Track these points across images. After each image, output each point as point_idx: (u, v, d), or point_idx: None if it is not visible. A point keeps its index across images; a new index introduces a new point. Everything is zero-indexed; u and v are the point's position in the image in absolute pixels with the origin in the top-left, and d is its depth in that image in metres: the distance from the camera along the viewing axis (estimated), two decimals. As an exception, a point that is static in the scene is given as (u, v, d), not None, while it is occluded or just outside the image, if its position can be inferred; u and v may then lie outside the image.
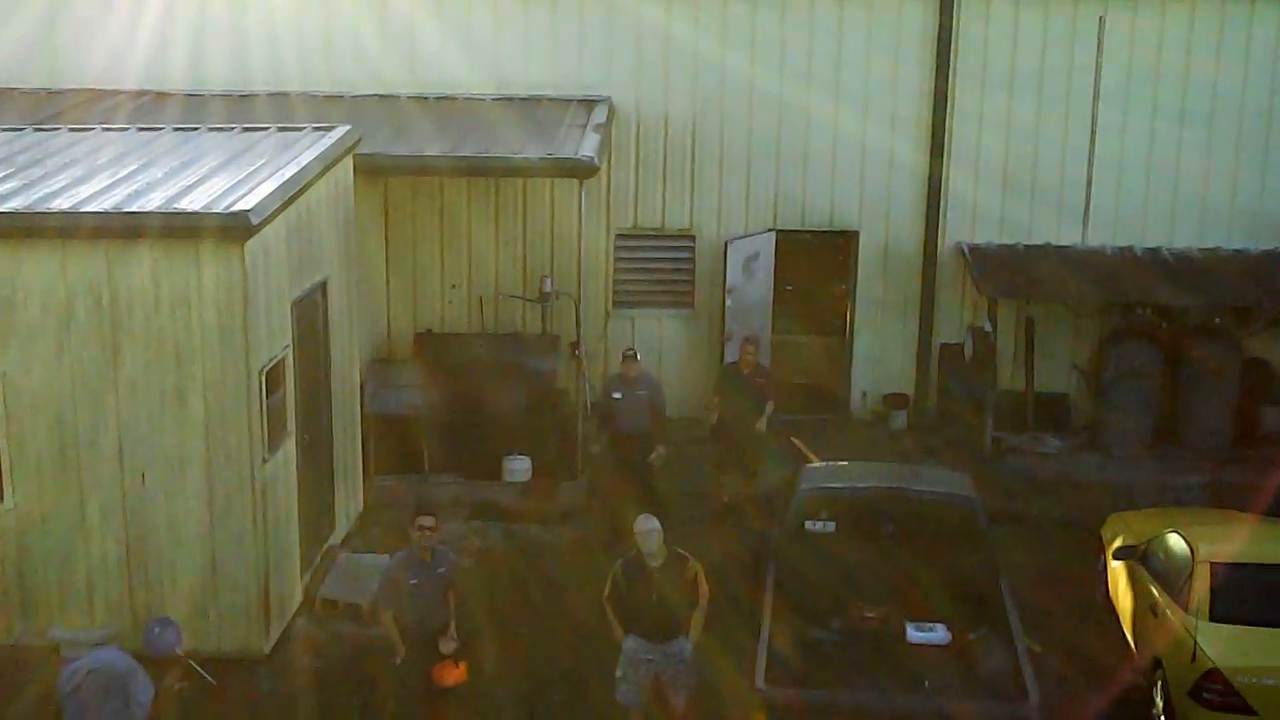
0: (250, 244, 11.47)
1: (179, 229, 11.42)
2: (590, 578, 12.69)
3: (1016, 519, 15.77)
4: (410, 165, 15.61)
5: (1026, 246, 18.24)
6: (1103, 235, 18.30)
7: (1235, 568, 11.68)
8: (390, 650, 10.89)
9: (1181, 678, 11.16)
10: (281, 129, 14.33)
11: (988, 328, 17.64)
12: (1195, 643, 11.14)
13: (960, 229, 18.34)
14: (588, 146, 15.45)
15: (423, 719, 10.91)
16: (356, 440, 14.94)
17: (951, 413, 18.24)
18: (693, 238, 18.41)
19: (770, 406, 15.54)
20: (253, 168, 12.80)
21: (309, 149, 13.34)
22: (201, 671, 11.64)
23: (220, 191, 12.01)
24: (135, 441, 11.77)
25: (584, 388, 17.87)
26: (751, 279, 18.28)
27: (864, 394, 18.80)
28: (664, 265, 18.55)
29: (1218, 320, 17.87)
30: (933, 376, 18.61)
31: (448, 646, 10.86)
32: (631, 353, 15.28)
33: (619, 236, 18.42)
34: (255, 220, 11.39)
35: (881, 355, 18.70)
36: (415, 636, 10.80)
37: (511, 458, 16.11)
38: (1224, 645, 11.05)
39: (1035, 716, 9.78)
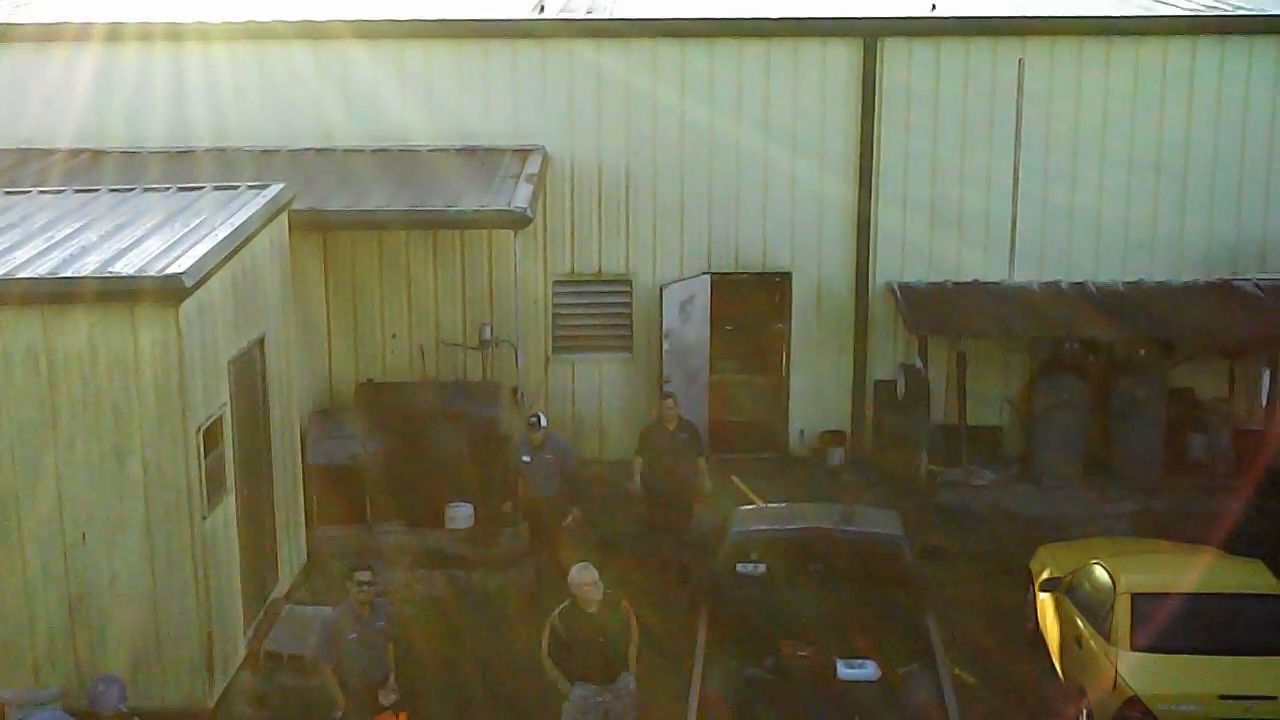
0: (185, 306, 11.66)
1: (114, 293, 11.59)
2: (534, 623, 12.90)
3: (949, 553, 16.10)
4: (347, 219, 15.88)
5: (955, 284, 18.65)
6: (1029, 271, 18.74)
7: (1155, 598, 12.07)
8: (332, 703, 11.07)
9: (1105, 706, 11.52)
10: (217, 188, 14.51)
11: (919, 364, 18.03)
12: (1116, 672, 11.49)
13: (890, 268, 18.74)
14: (520, 198, 15.76)
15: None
16: (299, 492, 15.10)
17: (887, 448, 18.59)
18: (629, 282, 18.73)
19: (704, 463, 15.45)
20: (188, 228, 12.98)
21: (244, 208, 13.53)
22: (146, 728, 11.78)
23: (155, 254, 12.19)
24: (75, 501, 11.89)
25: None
26: (688, 321, 18.61)
27: (802, 431, 19.14)
28: (602, 310, 18.85)
29: (1142, 352, 18.30)
30: (868, 413, 18.98)
31: (388, 698, 11.09)
32: (535, 418, 15.19)
33: (557, 283, 18.72)
34: (189, 282, 11.59)
35: (818, 393, 19.05)
36: (356, 688, 11.01)
37: (454, 505, 16.28)
38: (1144, 674, 11.43)
39: (958, 747, 10.09)
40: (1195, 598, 12.13)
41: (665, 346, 18.36)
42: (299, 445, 15.25)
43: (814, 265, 18.77)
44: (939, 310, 18.16)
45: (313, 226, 15.82)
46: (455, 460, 16.55)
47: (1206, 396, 18.82)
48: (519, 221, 15.52)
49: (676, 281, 18.50)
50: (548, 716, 11.44)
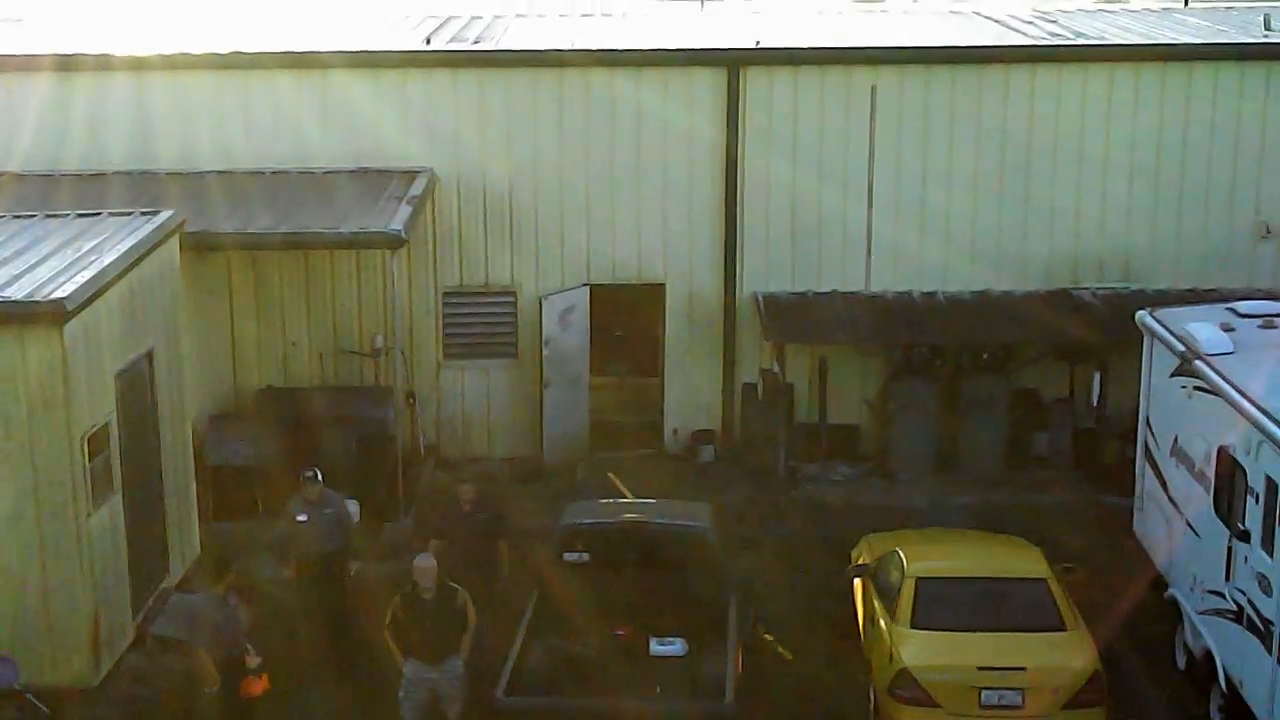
0: (69, 327, 13.08)
1: (6, 315, 13.00)
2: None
3: (793, 540, 17.60)
4: (235, 240, 17.31)
5: (815, 293, 20.15)
6: (885, 281, 20.25)
7: (934, 581, 13.60)
8: (207, 681, 12.55)
9: (884, 677, 13.04)
10: (113, 214, 15.88)
11: (775, 369, 19.52)
12: (892, 646, 13.02)
13: (756, 279, 20.22)
14: (398, 220, 17.18)
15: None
16: (190, 490, 16.48)
17: (752, 446, 20.11)
18: (514, 293, 20.17)
19: (504, 547, 14.50)
20: (79, 254, 14.37)
21: (133, 234, 14.93)
22: (37, 703, 13.25)
23: (45, 278, 13.60)
24: (-29, 501, 13.31)
25: (419, 433, 19.70)
26: (568, 330, 20.06)
27: (675, 431, 20.62)
28: (489, 319, 20.27)
29: (985, 356, 19.83)
30: (736, 413, 20.46)
31: (253, 662, 12.56)
32: (311, 474, 14.70)
33: (446, 294, 20.15)
34: (70, 306, 13.01)
35: (690, 395, 20.53)
36: (223, 663, 12.48)
37: (347, 501, 17.68)
38: (916, 648, 12.94)
39: (729, 712, 11.57)
40: (970, 581, 13.65)
41: (545, 353, 19.80)
42: (190, 447, 16.62)
43: (686, 276, 20.24)
44: (796, 318, 19.66)
45: (206, 247, 17.17)
46: (344, 459, 18.03)
47: (1049, 397, 20.34)
48: (394, 243, 16.97)
49: (557, 293, 19.93)
50: (390, 688, 12.89)
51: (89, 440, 13.61)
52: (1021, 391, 20.22)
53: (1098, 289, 20.07)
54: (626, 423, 20.95)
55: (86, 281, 13.46)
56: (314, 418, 18.44)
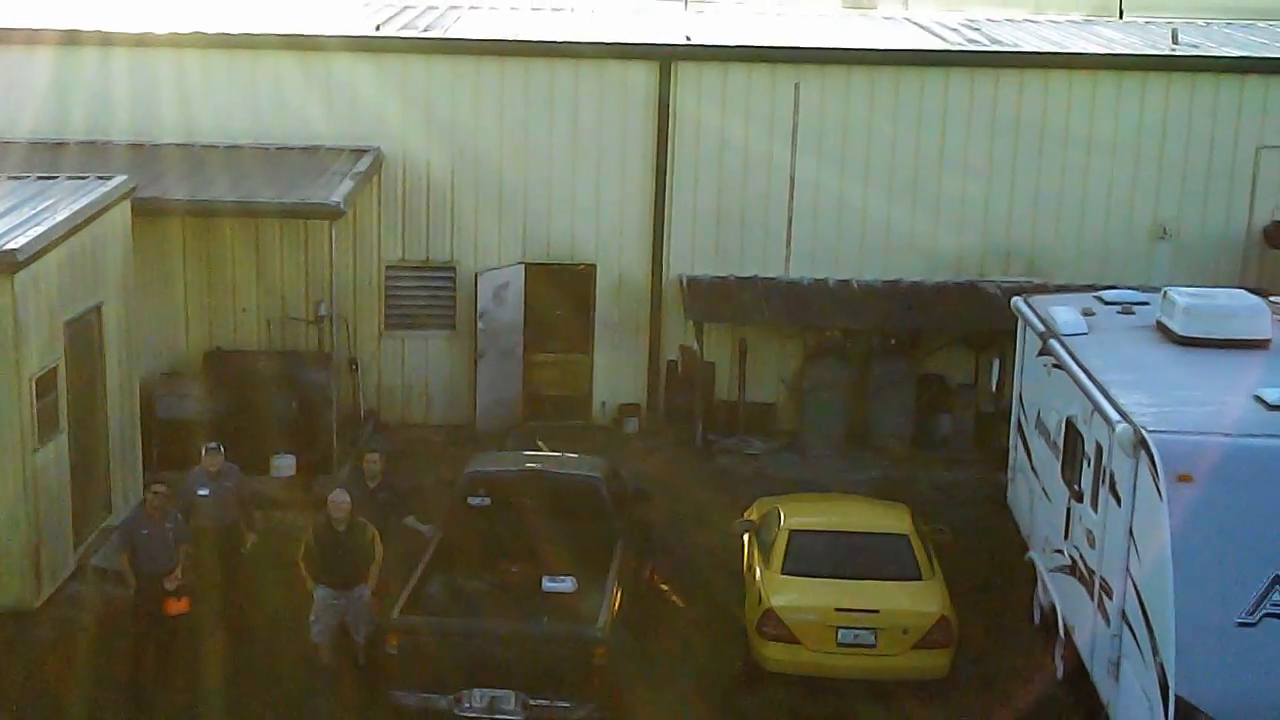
0: (19, 276, 14.32)
1: (-42, 264, 14.25)
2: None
3: (701, 505, 18.85)
4: (183, 207, 18.56)
5: (737, 278, 21.42)
6: (803, 269, 21.52)
7: (806, 533, 14.87)
8: (126, 583, 13.81)
9: (754, 617, 14.31)
10: (70, 178, 17.11)
11: (695, 347, 20.79)
12: (763, 590, 14.29)
13: (682, 262, 21.48)
14: (339, 193, 18.42)
15: (155, 638, 13.90)
16: (135, 439, 17.70)
17: (673, 419, 21.37)
18: (453, 269, 21.41)
19: (412, 519, 15.03)
20: (35, 211, 15.61)
21: (86, 195, 16.17)
22: (-19, 621, 14.48)
23: (1, 232, 14.82)
24: (-73, 434, 14.54)
25: (360, 398, 20.94)
26: (503, 305, 21.30)
27: (603, 403, 21.88)
28: (428, 292, 21.50)
29: (893, 341, 21.12)
30: (660, 388, 21.73)
31: (171, 584, 13.79)
32: (214, 445, 14.99)
33: (389, 267, 21.39)
34: (22, 257, 14.25)
35: (617, 370, 21.79)
36: (146, 574, 13.75)
37: (279, 456, 18.98)
38: (783, 591, 14.21)
39: (599, 635, 12.83)
40: (838, 535, 14.92)
41: (480, 325, 21.04)
42: (137, 399, 17.84)
43: (615, 258, 21.50)
44: (716, 300, 20.93)
45: (158, 212, 18.39)
46: (283, 418, 19.27)
47: (954, 382, 21.63)
48: (333, 214, 18.22)
49: (493, 270, 21.17)
50: (303, 612, 14.14)
51: (37, 382, 14.84)
52: (928, 376, 21.50)
53: (1003, 282, 21.30)
54: (558, 396, 22.18)
55: (38, 235, 14.70)
56: (258, 379, 19.68)
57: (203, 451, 15.01)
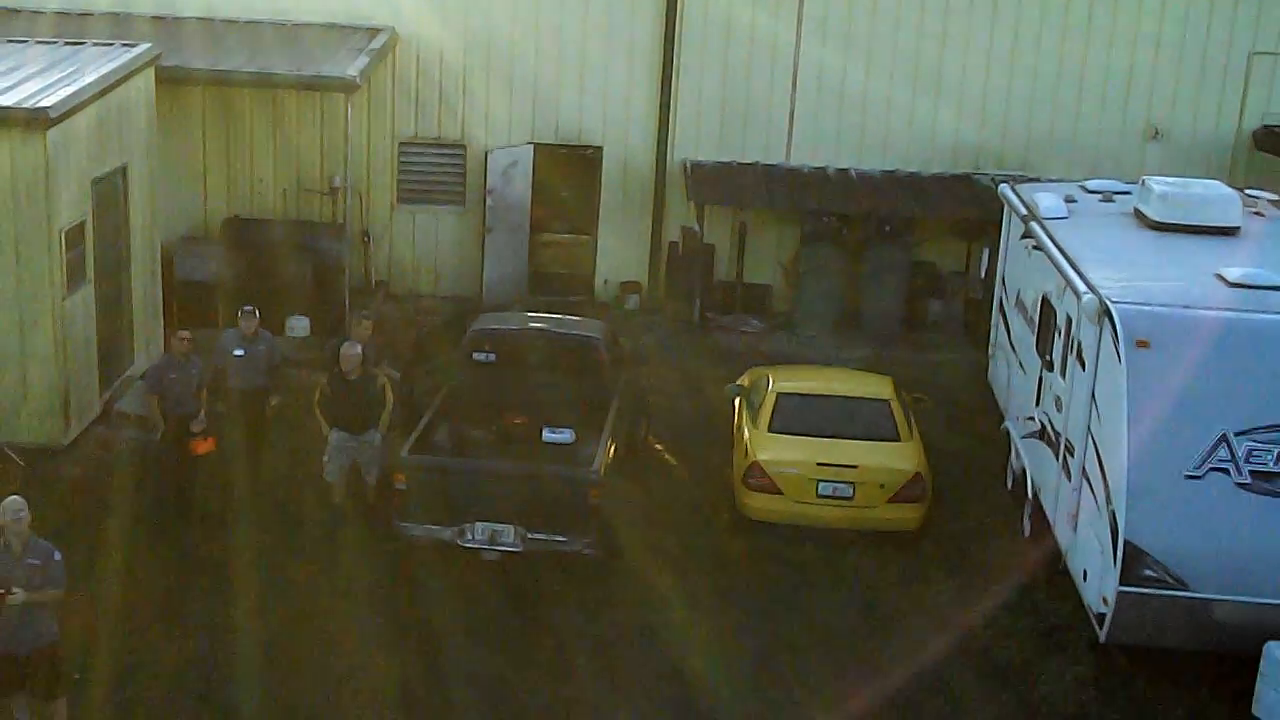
0: (51, 133, 15.06)
1: (-2, 119, 15.00)
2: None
3: (697, 376, 19.69)
4: (204, 76, 19.27)
5: (739, 163, 22.12)
6: (803, 157, 22.22)
7: (792, 396, 15.76)
8: (155, 425, 14.72)
9: (740, 469, 15.22)
10: (96, 44, 17.77)
11: (696, 228, 21.54)
12: (749, 445, 15.19)
13: (686, 148, 22.18)
14: (354, 67, 19.10)
15: (180, 476, 14.84)
16: (156, 297, 18.53)
17: (673, 297, 22.20)
18: (464, 147, 22.14)
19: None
20: (64, 74, 16.30)
21: (112, 61, 16.85)
22: (14, 456, 15.41)
23: (34, 91, 15.55)
24: (-37, 281, 15.39)
25: (370, 267, 21.77)
26: (511, 183, 22.03)
27: (605, 281, 22.69)
28: (439, 169, 22.25)
29: (888, 228, 21.85)
30: (660, 268, 22.52)
31: (197, 426, 14.69)
32: (250, 309, 15.34)
33: (402, 144, 22.12)
34: (54, 115, 14.98)
35: (620, 250, 22.58)
36: (173, 416, 14.63)
37: (294, 317, 19.84)
38: (768, 446, 15.11)
39: (594, 477, 13.73)
40: (823, 398, 15.82)
41: (489, 202, 21.79)
42: (159, 259, 18.65)
43: (622, 142, 22.20)
44: (719, 184, 21.65)
45: (178, 81, 19.10)
46: (299, 283, 20.12)
47: (946, 270, 22.40)
48: (348, 87, 18.92)
49: (502, 148, 21.87)
50: (317, 452, 15.08)
51: (66, 235, 15.63)
52: (921, 263, 22.27)
53: (996, 176, 21.98)
54: (562, 274, 23.00)
55: (69, 95, 15.43)
56: (274, 246, 20.48)
57: (239, 314, 15.42)
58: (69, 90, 15.56)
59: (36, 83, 15.93)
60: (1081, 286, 13.39)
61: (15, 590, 10.33)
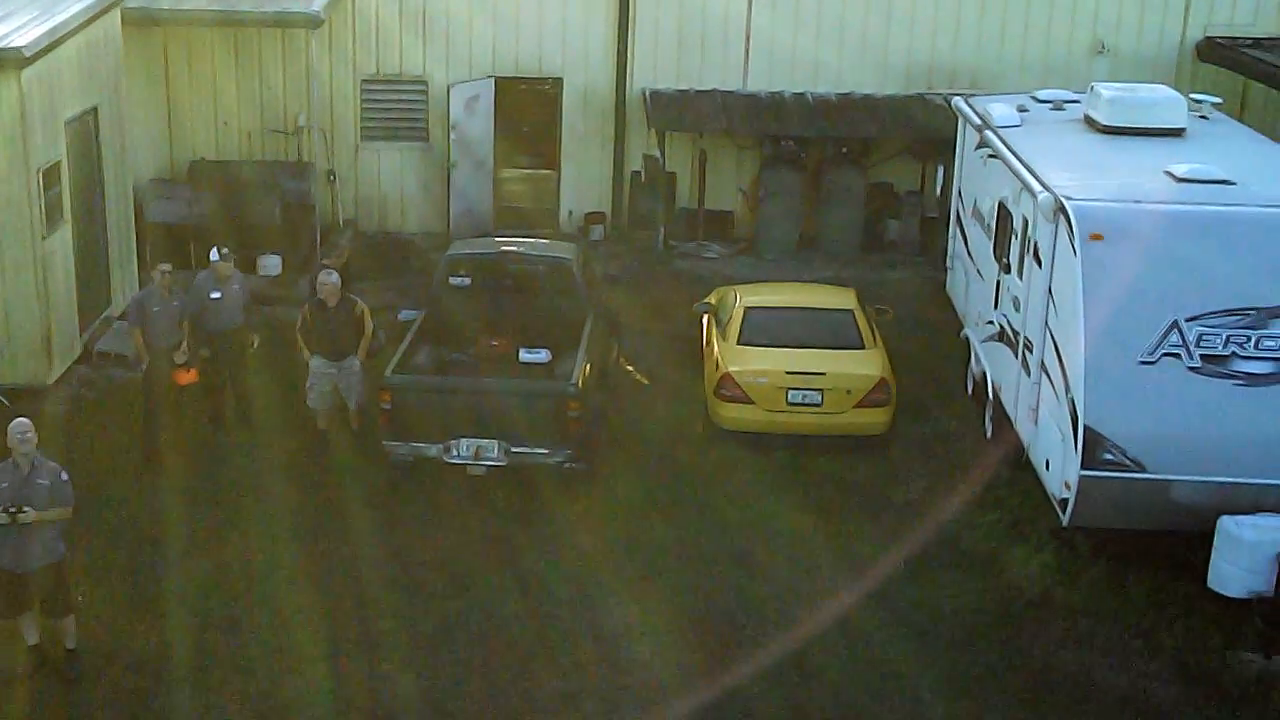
0: (26, 72, 15.27)
1: (-31, 60, 15.18)
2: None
3: (662, 300, 20.16)
4: (171, 17, 19.42)
5: (698, 91, 22.49)
6: (760, 82, 22.61)
7: (760, 310, 16.25)
8: (139, 358, 15.05)
9: (712, 382, 15.71)
10: (62, -14, 17.90)
11: (658, 155, 21.93)
12: (720, 358, 15.67)
13: (645, 77, 22.52)
14: (317, 3, 19.33)
15: (164, 407, 15.16)
16: (130, 238, 18.79)
17: (637, 225, 22.60)
18: (425, 83, 22.40)
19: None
20: (33, 15, 16.46)
21: (79, 2, 17.01)
22: (0, 397, 15.70)
23: (6, 32, 15.73)
24: (-58, 222, 15.61)
25: (337, 206, 22.05)
26: (474, 117, 22.32)
27: (570, 212, 23.06)
28: (402, 106, 22.50)
29: (845, 150, 22.30)
30: (624, 198, 22.91)
31: (180, 357, 15.02)
32: (225, 250, 15.46)
33: (364, 81, 22.35)
34: (29, 54, 15.18)
35: (583, 181, 22.94)
36: (156, 348, 14.96)
37: (265, 255, 20.14)
38: (738, 358, 15.59)
39: (572, 390, 14.16)
40: (789, 310, 16.34)
41: (452, 136, 22.09)
42: (131, 200, 18.90)
43: (582, 72, 22.51)
44: (678, 111, 22.02)
45: (144, 23, 19.25)
46: (269, 223, 20.39)
47: (902, 190, 22.88)
48: (312, 22, 19.17)
49: (464, 82, 22.15)
50: (299, 378, 15.46)
51: (43, 174, 15.87)
52: (877, 185, 22.74)
53: (949, 95, 22.42)
54: (527, 208, 23.34)
55: (43, 34, 15.62)
56: (241, 186, 20.72)
57: (214, 255, 15.52)
58: (41, 29, 15.74)
59: (8, 24, 16.09)
60: (1037, 186, 13.89)
61: (25, 509, 10.71)
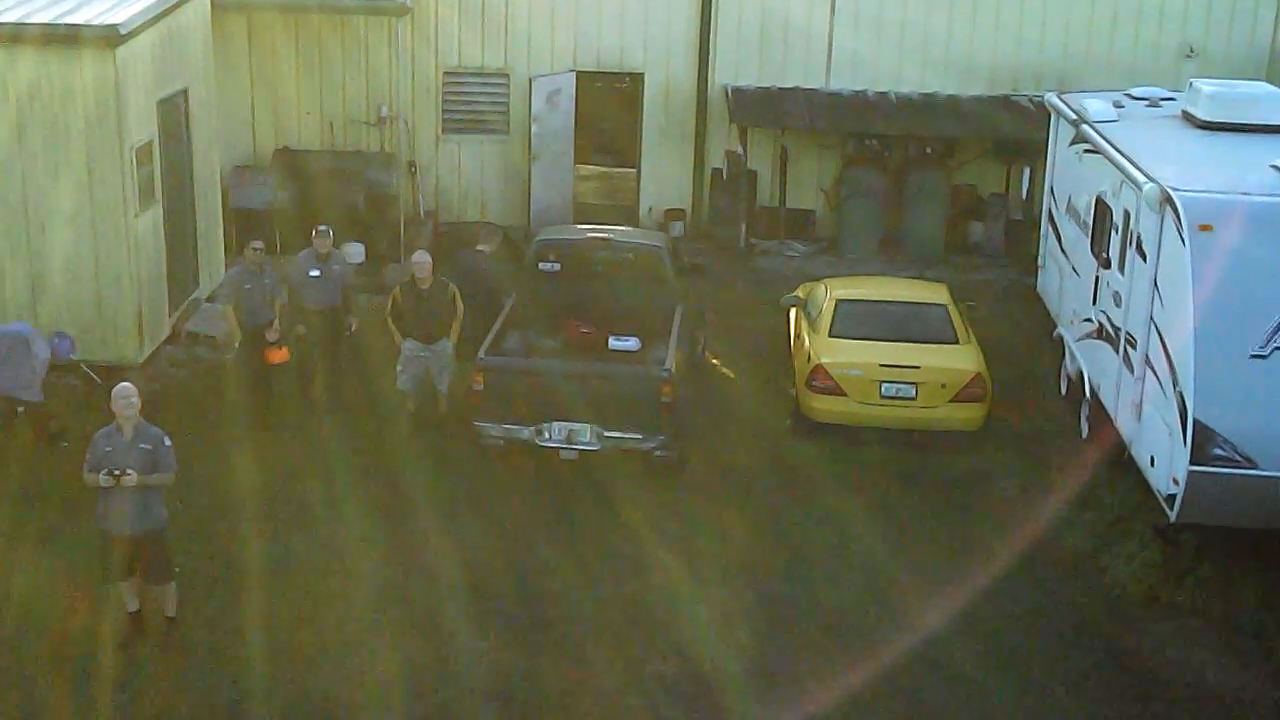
0: (121, 50, 15.31)
1: (67, 37, 15.21)
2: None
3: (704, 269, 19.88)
4: (264, 3, 19.45)
5: (780, 89, 22.34)
6: (843, 81, 22.43)
7: (851, 302, 16.05)
8: (232, 335, 15.03)
9: (803, 374, 15.53)
10: (154, -30, 17.98)
11: (739, 151, 21.79)
12: (811, 350, 15.49)
13: (727, 73, 22.39)
14: (405, -8, 19.37)
15: (259, 382, 15.20)
16: (217, 221, 18.82)
17: (717, 223, 22.45)
18: (507, 76, 22.34)
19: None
20: (126, -3, 16.56)
21: (173, -17, 17.09)
22: (92, 373, 15.73)
23: (101, 11, 15.79)
24: (38, 200, 15.63)
25: (418, 197, 22.03)
26: (555, 110, 22.26)
27: (650, 209, 22.94)
28: (484, 98, 22.46)
29: (929, 150, 22.07)
30: (704, 194, 22.77)
31: (272, 335, 15.01)
32: (324, 229, 15.46)
33: (447, 73, 22.32)
34: (124, 32, 15.23)
35: (664, 177, 22.81)
36: (248, 326, 14.95)
37: (349, 243, 20.11)
38: (831, 350, 15.40)
39: (666, 374, 14.02)
40: (881, 304, 16.13)
41: (534, 129, 22.04)
42: (219, 183, 18.94)
43: (663, 68, 22.40)
44: (760, 108, 21.87)
45: (234, 8, 19.31)
46: (352, 211, 20.39)
47: (986, 193, 22.63)
48: (400, 10, 19.18)
49: (545, 76, 22.10)
50: (392, 362, 15.40)
51: (136, 153, 15.90)
52: (961, 187, 22.50)
53: (1034, 96, 22.17)
54: (606, 203, 23.27)
55: (137, 13, 15.67)
56: (325, 175, 20.74)
57: (313, 234, 15.54)
58: (135, 9, 15.79)
59: (100, 4, 16.15)
60: (1141, 178, 13.65)
61: (129, 472, 10.68)
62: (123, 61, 15.42)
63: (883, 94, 22.41)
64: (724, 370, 17.56)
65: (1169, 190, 13.02)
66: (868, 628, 12.11)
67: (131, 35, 15.51)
